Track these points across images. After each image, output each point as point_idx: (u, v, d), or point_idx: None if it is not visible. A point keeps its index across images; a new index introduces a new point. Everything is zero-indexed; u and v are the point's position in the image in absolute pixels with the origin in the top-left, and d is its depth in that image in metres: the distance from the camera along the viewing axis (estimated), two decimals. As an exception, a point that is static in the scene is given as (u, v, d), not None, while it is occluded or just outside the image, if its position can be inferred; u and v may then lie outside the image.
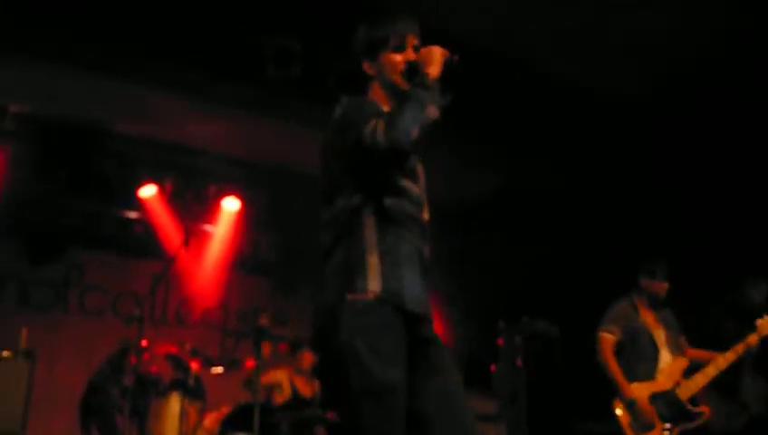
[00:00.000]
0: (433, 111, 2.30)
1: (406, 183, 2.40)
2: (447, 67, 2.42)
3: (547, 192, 7.03)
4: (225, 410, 5.16)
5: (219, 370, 5.40)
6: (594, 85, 6.04)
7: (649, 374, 4.61)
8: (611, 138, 6.30)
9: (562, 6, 5.22)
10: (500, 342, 6.38)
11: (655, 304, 4.82)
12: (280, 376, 5.44)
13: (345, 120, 2.36)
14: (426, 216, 2.48)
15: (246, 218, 7.47)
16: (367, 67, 2.54)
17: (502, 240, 7.35)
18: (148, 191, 6.97)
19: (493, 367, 6.50)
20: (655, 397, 4.53)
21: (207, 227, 7.39)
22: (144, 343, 5.05)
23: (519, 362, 6.02)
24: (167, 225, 7.07)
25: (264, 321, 4.94)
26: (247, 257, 7.75)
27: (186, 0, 5.02)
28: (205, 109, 6.14)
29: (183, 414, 5.13)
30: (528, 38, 5.56)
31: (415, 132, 2.23)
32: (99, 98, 6.06)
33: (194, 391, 5.23)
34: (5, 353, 5.16)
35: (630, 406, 4.49)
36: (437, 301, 5.55)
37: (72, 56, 5.33)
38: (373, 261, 2.28)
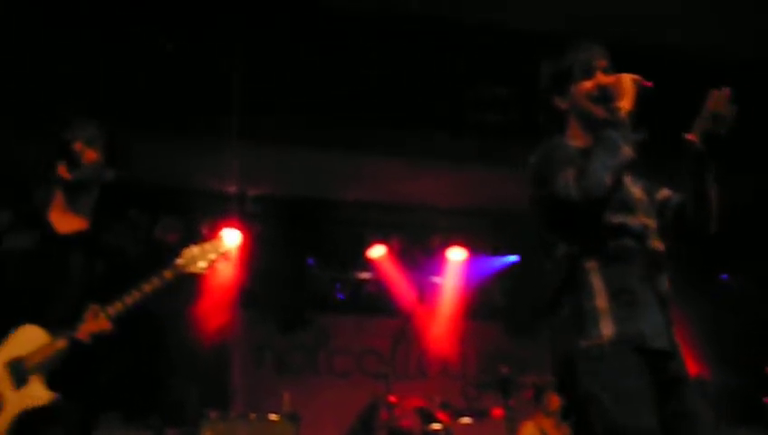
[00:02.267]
0: (627, 152, 2.19)
1: (621, 218, 2.29)
2: (641, 95, 2.27)
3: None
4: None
5: (468, 420, 5.42)
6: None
7: None
8: None
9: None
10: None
11: None
12: (530, 431, 5.31)
13: (538, 171, 2.32)
14: (655, 244, 2.34)
15: (473, 266, 7.56)
16: (558, 102, 2.46)
17: (752, 261, 6.78)
18: (377, 252, 7.33)
19: (766, 399, 5.92)
20: None
21: (437, 279, 7.56)
22: (393, 398, 5.23)
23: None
24: (398, 282, 7.36)
25: (505, 369, 4.92)
26: (479, 304, 7.80)
27: (388, 63, 5.25)
28: (421, 165, 6.34)
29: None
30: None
31: (608, 180, 2.14)
32: (323, 172, 6.50)
33: (445, 443, 5.30)
34: (273, 417, 5.57)
35: None
36: (688, 333, 5.19)
37: (295, 138, 5.77)
38: (603, 305, 2.20)
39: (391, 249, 7.38)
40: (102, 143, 2.81)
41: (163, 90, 5.02)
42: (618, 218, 2.29)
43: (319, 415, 6.89)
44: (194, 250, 2.76)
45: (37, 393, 2.56)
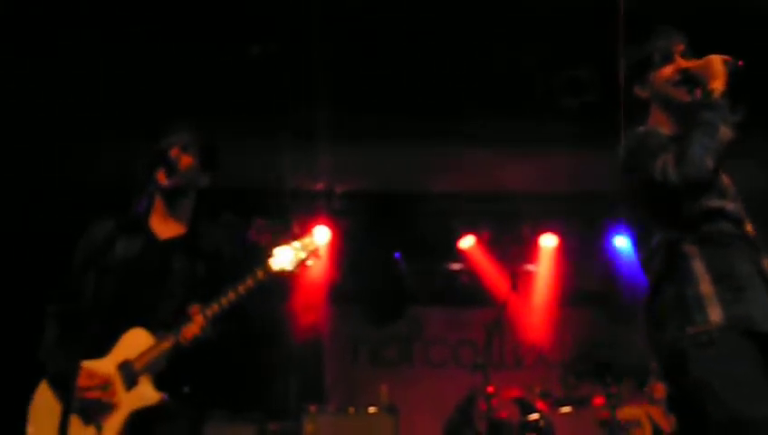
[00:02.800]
0: (726, 133, 2.13)
1: (717, 203, 2.25)
2: (733, 75, 2.21)
3: None
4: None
5: (568, 409, 5.34)
6: None
7: None
8: None
9: None
10: None
11: None
12: (637, 412, 5.22)
13: (630, 160, 2.31)
14: (749, 228, 2.30)
15: (566, 252, 7.42)
16: (639, 92, 2.45)
17: None
18: (467, 242, 7.30)
19: None
20: None
21: (529, 267, 7.46)
22: (491, 388, 5.20)
23: None
24: (490, 271, 7.31)
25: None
26: (573, 291, 7.65)
27: (473, 51, 5.18)
28: (508, 152, 6.26)
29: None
30: None
31: (709, 162, 2.10)
32: (409, 164, 6.50)
33: (545, 433, 5.23)
34: (372, 410, 5.64)
35: None
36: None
37: (381, 131, 5.79)
38: (708, 290, 2.15)
39: (481, 239, 7.34)
40: (197, 149, 2.89)
41: (251, 91, 5.12)
42: (714, 203, 2.25)
43: (416, 406, 6.92)
44: (285, 249, 2.82)
45: (147, 394, 2.66)
